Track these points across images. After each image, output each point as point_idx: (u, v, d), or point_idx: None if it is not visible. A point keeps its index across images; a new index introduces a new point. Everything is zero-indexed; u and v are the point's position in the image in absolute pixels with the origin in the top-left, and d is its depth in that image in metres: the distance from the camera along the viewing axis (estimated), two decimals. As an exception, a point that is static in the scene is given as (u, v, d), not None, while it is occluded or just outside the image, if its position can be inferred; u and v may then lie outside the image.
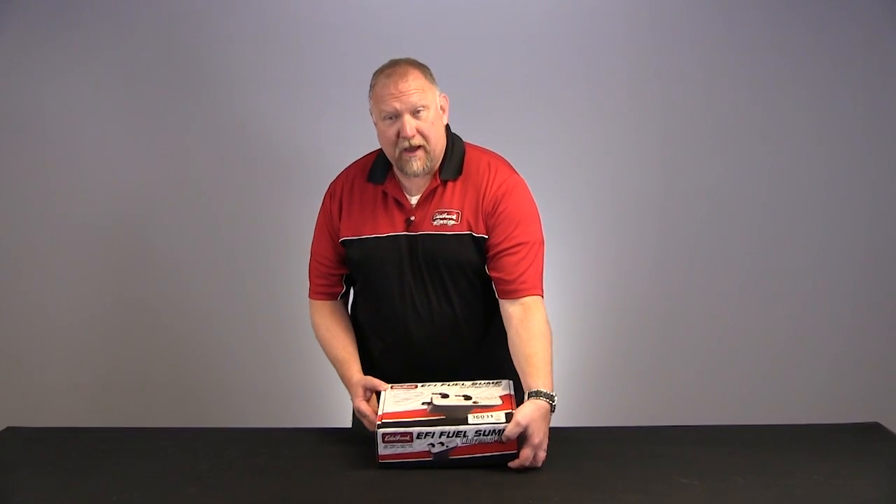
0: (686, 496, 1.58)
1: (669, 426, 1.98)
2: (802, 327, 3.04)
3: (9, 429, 1.98)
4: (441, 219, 1.89)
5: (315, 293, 2.04)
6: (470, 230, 1.89)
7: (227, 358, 3.05)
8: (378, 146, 1.97)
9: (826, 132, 2.97)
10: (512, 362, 1.86)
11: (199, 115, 2.93)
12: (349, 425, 2.08)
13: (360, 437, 1.88)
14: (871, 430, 1.93)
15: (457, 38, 2.84)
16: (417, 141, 1.83)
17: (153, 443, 1.89)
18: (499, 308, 1.90)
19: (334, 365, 1.99)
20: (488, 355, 1.95)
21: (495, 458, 1.67)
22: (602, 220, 2.95)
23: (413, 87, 1.82)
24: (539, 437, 1.69)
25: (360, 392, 1.87)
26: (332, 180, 2.03)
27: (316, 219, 2.03)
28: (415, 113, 1.83)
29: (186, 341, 3.04)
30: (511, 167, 1.96)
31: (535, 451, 1.68)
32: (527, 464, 1.68)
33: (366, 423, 1.86)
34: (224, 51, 2.89)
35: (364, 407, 1.85)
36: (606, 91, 2.94)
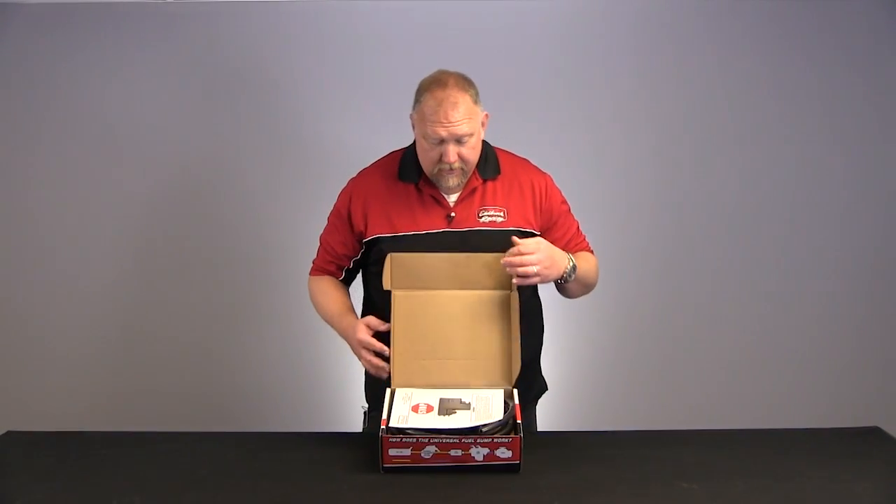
0: (686, 500, 1.58)
1: (669, 430, 1.98)
2: (803, 331, 3.04)
3: (9, 433, 1.98)
4: (489, 216, 1.95)
5: (315, 271, 2.10)
6: (519, 227, 1.95)
7: (230, 362, 3.05)
8: (400, 146, 2.03)
9: (826, 135, 2.99)
10: (539, 351, 2.06)
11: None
12: (352, 429, 2.08)
13: (361, 441, 1.87)
14: (871, 434, 1.94)
15: (455, 43, 2.85)
16: (458, 165, 1.89)
17: (153, 447, 1.89)
18: (532, 303, 1.96)
19: (330, 322, 2.01)
20: (524, 347, 1.89)
21: (499, 465, 1.67)
22: (600, 225, 2.94)
23: (462, 117, 1.84)
24: (529, 244, 1.81)
25: (361, 327, 1.87)
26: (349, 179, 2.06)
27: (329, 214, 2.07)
28: (459, 140, 1.86)
29: (188, 345, 3.04)
30: (536, 166, 2.07)
31: (521, 254, 1.78)
32: (515, 258, 1.78)
33: (367, 356, 1.85)
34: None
35: (368, 338, 1.85)
36: (603, 96, 2.96)
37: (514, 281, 1.82)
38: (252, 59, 2.94)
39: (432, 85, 1.87)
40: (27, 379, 3.02)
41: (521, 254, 1.80)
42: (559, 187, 2.06)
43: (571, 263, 1.92)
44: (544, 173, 2.05)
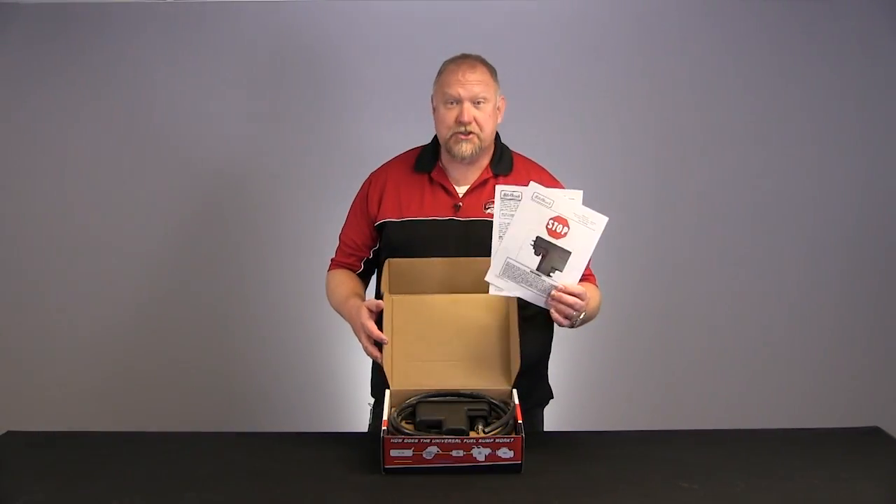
0: (686, 500, 1.58)
1: (670, 430, 1.98)
2: (803, 331, 3.05)
3: (9, 433, 1.98)
4: (493, 208, 1.94)
5: (333, 267, 2.13)
6: None
7: (234, 361, 3.05)
8: (419, 144, 2.08)
9: (822, 134, 2.99)
10: (545, 357, 2.08)
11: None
12: (358, 428, 2.09)
13: (362, 441, 1.87)
14: (872, 435, 1.94)
15: (458, 43, 2.84)
16: (473, 128, 1.95)
17: (153, 447, 1.89)
18: (538, 309, 1.93)
19: (338, 308, 2.03)
20: (525, 342, 1.89)
21: (500, 465, 1.67)
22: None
23: (479, 79, 1.95)
24: (579, 290, 1.79)
25: (364, 311, 1.87)
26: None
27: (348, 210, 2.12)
28: (475, 102, 1.94)
29: (190, 345, 3.04)
30: (551, 174, 2.10)
31: (574, 295, 1.78)
32: (567, 297, 1.78)
33: (365, 342, 1.87)
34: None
35: (370, 324, 1.86)
36: (604, 96, 2.96)
37: (554, 316, 1.81)
38: (253, 59, 2.94)
39: (453, 58, 2.01)
40: (27, 379, 3.02)
41: (574, 295, 1.79)
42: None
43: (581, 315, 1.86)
44: (555, 180, 2.07)
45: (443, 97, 1.97)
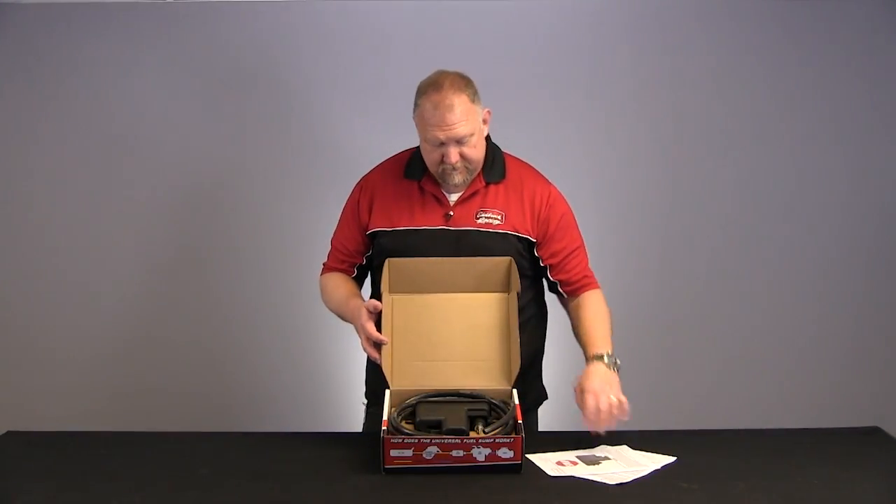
0: (686, 500, 1.58)
1: (669, 430, 1.97)
2: (802, 331, 3.04)
3: (9, 433, 1.98)
4: (486, 217, 1.97)
5: (326, 271, 2.11)
6: (515, 231, 1.97)
7: (232, 362, 3.05)
8: (407, 147, 2.05)
9: (832, 135, 2.99)
10: (539, 358, 2.10)
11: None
12: (354, 428, 2.08)
13: (362, 441, 1.87)
14: (872, 435, 1.94)
15: (463, 44, 2.85)
16: (461, 164, 1.90)
17: (154, 447, 1.89)
18: (529, 306, 1.98)
19: (338, 309, 2.01)
20: (520, 343, 1.89)
21: (500, 465, 1.67)
22: (606, 225, 2.95)
23: (459, 118, 1.86)
24: (594, 391, 1.77)
25: (365, 313, 1.86)
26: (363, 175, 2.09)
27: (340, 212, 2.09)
28: (459, 141, 1.88)
29: (189, 345, 3.04)
30: (545, 177, 2.06)
31: (597, 401, 1.76)
32: (592, 418, 1.77)
33: (366, 343, 1.85)
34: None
35: (370, 327, 1.85)
36: (612, 95, 2.96)
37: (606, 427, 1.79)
38: (253, 59, 2.94)
39: (428, 88, 1.89)
40: (27, 379, 3.02)
41: (597, 413, 1.77)
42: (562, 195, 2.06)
43: (615, 362, 1.88)
44: (550, 184, 2.04)
45: (424, 137, 1.90)
